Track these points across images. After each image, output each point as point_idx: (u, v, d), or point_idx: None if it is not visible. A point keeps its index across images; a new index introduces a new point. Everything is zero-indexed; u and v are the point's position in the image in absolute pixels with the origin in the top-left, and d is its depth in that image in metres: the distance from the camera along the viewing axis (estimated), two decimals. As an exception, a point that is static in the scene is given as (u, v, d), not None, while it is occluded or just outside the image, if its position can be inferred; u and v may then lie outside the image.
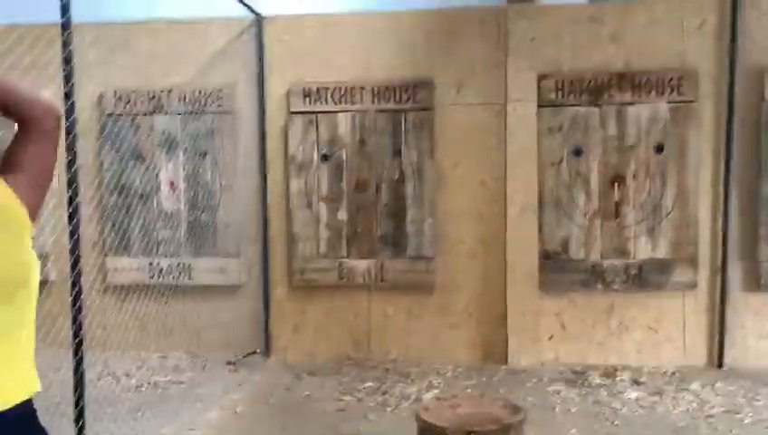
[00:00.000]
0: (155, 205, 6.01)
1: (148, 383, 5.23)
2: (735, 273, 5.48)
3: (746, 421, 4.35)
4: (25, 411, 1.52)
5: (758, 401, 4.73)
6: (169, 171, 5.99)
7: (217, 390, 5.09)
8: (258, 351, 5.91)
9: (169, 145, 5.96)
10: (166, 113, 5.93)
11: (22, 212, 1.53)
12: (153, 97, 5.95)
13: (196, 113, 5.89)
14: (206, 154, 5.90)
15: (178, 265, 5.97)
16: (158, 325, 5.97)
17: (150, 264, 6.01)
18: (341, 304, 5.86)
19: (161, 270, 6.00)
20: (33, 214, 1.56)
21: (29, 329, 1.54)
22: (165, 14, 5.91)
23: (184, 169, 5.97)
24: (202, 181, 5.93)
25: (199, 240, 5.92)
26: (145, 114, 5.95)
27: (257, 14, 5.83)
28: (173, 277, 5.98)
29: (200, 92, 5.90)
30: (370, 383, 5.20)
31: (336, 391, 5.05)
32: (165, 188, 5.99)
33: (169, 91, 5.92)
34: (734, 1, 5.37)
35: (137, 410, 4.60)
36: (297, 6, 5.87)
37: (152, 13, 5.90)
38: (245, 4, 5.63)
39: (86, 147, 5.60)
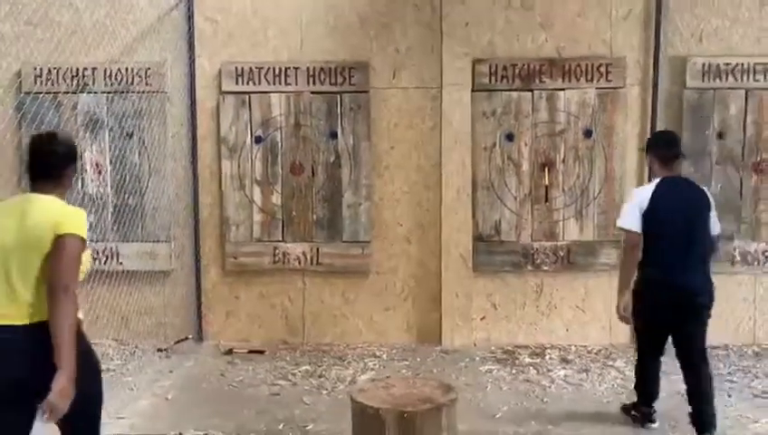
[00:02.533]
0: (79, 188, 5.75)
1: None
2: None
3: (664, 394, 4.55)
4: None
5: (676, 374, 4.93)
6: (94, 153, 5.75)
7: (147, 377, 4.96)
8: (190, 337, 5.79)
9: (94, 125, 5.71)
10: (90, 92, 5.67)
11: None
12: (76, 75, 5.68)
13: (123, 92, 5.66)
14: (132, 135, 5.69)
15: (105, 250, 5.76)
16: (84, 312, 5.73)
17: (75, 249, 5.76)
18: (276, 289, 5.80)
19: (87, 255, 5.77)
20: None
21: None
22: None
23: (110, 151, 5.74)
24: (129, 163, 5.72)
25: (127, 224, 5.72)
26: (67, 93, 5.68)
27: (187, -9, 5.64)
28: (99, 263, 5.76)
29: (127, 70, 5.68)
30: (306, 367, 5.18)
31: (271, 375, 5.00)
32: (90, 170, 5.75)
33: (94, 69, 5.67)
34: (658, -9, 5.56)
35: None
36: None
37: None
38: (174, -20, 5.44)
39: (1, 126, 5.32)
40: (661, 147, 3.93)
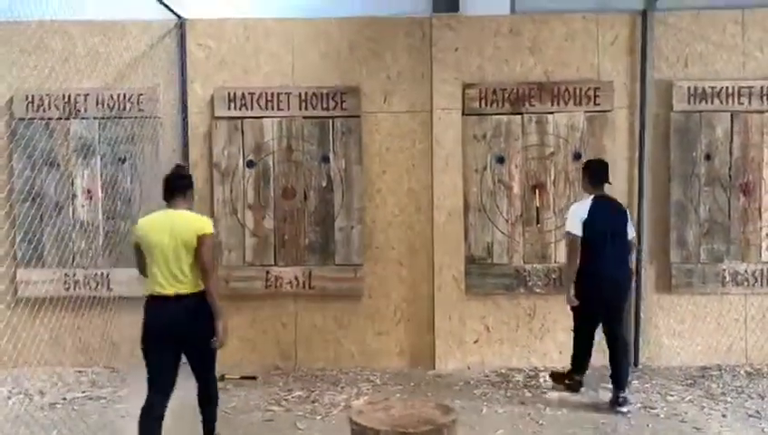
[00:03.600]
0: (70, 214, 5.74)
1: (64, 400, 4.96)
2: (649, 275, 5.75)
3: (661, 416, 4.56)
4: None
5: (671, 396, 4.97)
6: (86, 179, 5.75)
7: (140, 403, 4.86)
8: (182, 363, 5.71)
9: (86, 151, 5.72)
10: (82, 118, 5.69)
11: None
12: (68, 101, 5.70)
13: (115, 118, 5.68)
14: (125, 160, 5.70)
15: (96, 275, 5.72)
16: (75, 339, 5.70)
17: (66, 275, 5.73)
18: (268, 313, 5.77)
19: (77, 281, 5.74)
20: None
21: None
22: (81, 15, 5.69)
23: (101, 177, 5.74)
24: (121, 189, 5.72)
25: (118, 250, 5.69)
26: (59, 119, 5.69)
27: (180, 18, 5.70)
28: (90, 289, 5.72)
29: (119, 96, 5.71)
30: (299, 392, 5.13)
31: (264, 401, 4.95)
32: (81, 196, 5.74)
33: (86, 95, 5.70)
34: (644, 17, 5.67)
35: (51, 428, 4.36)
36: (220, 10, 5.78)
37: (67, 13, 5.66)
38: (167, 7, 5.49)
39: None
40: (595, 173, 4.82)
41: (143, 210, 5.70)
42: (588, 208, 4.68)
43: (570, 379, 5.09)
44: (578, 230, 4.65)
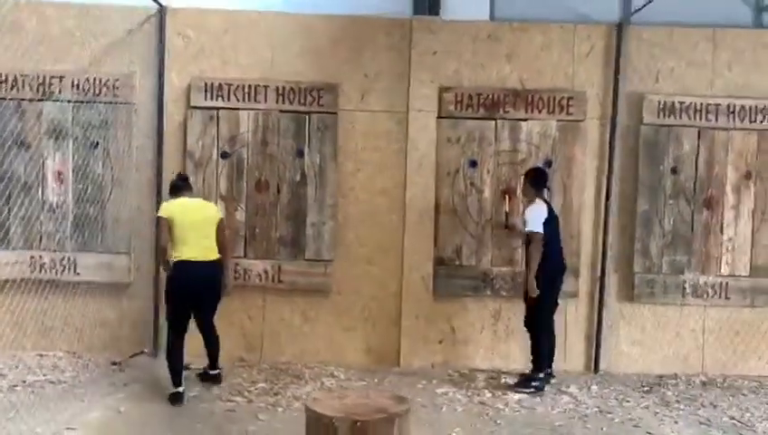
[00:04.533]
0: (39, 195, 5.69)
1: (23, 382, 4.92)
2: (612, 283, 5.88)
3: (616, 420, 4.66)
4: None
5: (628, 402, 5.08)
6: (57, 161, 5.70)
7: (100, 389, 4.87)
8: (145, 351, 5.71)
9: (58, 134, 5.67)
10: (55, 100, 5.64)
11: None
12: (42, 82, 5.65)
13: (89, 102, 5.64)
14: (97, 145, 5.66)
15: (62, 259, 5.68)
16: (38, 323, 5.65)
17: (32, 257, 5.67)
18: (236, 305, 5.75)
19: (43, 265, 5.69)
20: None
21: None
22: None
23: (73, 160, 5.69)
24: (92, 173, 5.68)
25: (86, 235, 5.65)
26: (32, 100, 5.64)
27: (160, 5, 5.68)
28: (56, 272, 5.67)
29: (95, 81, 5.67)
30: (262, 385, 5.15)
31: (226, 392, 4.96)
32: (51, 178, 5.69)
33: (61, 78, 5.65)
34: (619, 30, 5.79)
35: (10, 409, 4.32)
36: (202, 0, 5.78)
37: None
38: (148, -6, 5.48)
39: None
40: (539, 179, 5.24)
41: (114, 196, 5.69)
42: (546, 210, 5.14)
43: (541, 372, 5.24)
44: (541, 229, 5.05)
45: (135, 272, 5.77)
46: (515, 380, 5.38)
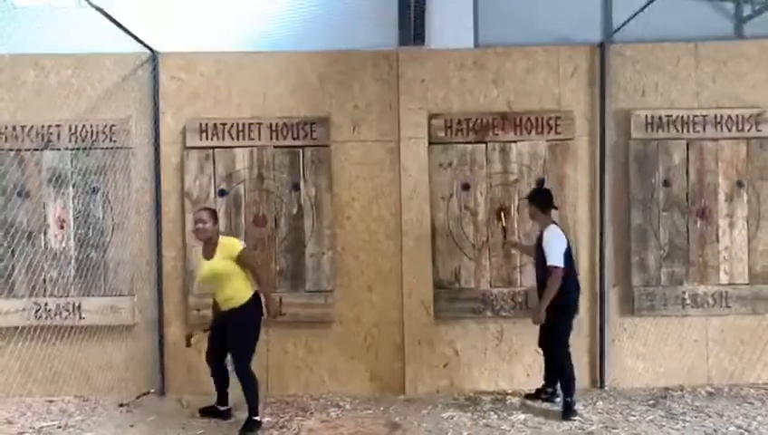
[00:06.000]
0: (42, 243, 5.79)
1: (32, 428, 4.97)
2: (612, 299, 5.90)
3: (622, 435, 4.67)
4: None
5: (633, 416, 5.08)
6: (58, 208, 5.81)
7: (108, 432, 4.91)
8: (152, 391, 5.76)
9: (58, 181, 5.79)
10: (54, 149, 5.77)
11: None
12: (41, 132, 5.79)
13: (87, 149, 5.77)
14: (97, 190, 5.77)
15: (67, 304, 5.75)
16: (45, 368, 5.71)
17: (36, 304, 5.75)
18: (239, 340, 5.80)
19: (49, 311, 5.76)
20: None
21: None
22: (54, 48, 5.82)
23: (73, 206, 5.80)
24: (93, 218, 5.79)
25: (89, 279, 5.74)
26: (31, 149, 5.77)
27: (153, 51, 5.84)
28: (61, 317, 5.75)
29: (92, 127, 5.80)
30: (268, 419, 5.17)
31: (233, 428, 4.98)
32: (53, 225, 5.80)
33: (58, 126, 5.79)
34: (602, 49, 5.90)
35: (18, 457, 4.37)
36: (193, 44, 5.92)
37: (40, 47, 5.79)
38: (140, 41, 5.63)
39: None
40: (548, 201, 5.17)
41: (115, 239, 5.79)
42: (565, 238, 5.06)
43: (574, 401, 5.13)
44: (563, 262, 4.94)
45: (138, 313, 5.84)
46: (521, 401, 5.39)
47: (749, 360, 5.88)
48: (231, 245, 4.85)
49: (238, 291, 4.83)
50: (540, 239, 5.10)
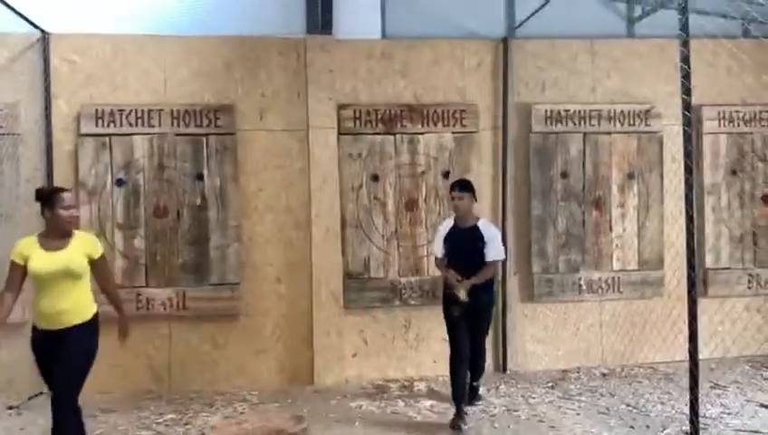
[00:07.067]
0: None
1: None
2: (514, 285, 6.12)
3: (522, 417, 4.85)
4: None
5: (534, 398, 5.30)
6: (-65, 198, 5.37)
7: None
8: (44, 392, 5.43)
9: (-64, 169, 5.35)
10: (-69, 134, 5.33)
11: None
12: None
13: (-31, 134, 5.36)
14: (-19, 179, 5.38)
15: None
16: None
17: None
18: (140, 337, 5.53)
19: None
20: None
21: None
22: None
23: (-46, 196, 5.38)
24: (-23, 207, 5.39)
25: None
26: None
27: (43, 32, 5.48)
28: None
29: (-26, 112, 5.39)
30: (171, 416, 5.01)
31: (134, 426, 4.80)
32: (-70, 217, 5.35)
33: (-64, 110, 5.34)
34: (505, 44, 6.07)
35: None
36: (86, 25, 5.61)
37: None
38: (28, 21, 5.27)
39: None
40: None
41: (3, 230, 5.42)
42: None
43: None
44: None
45: (28, 310, 5.49)
46: (427, 388, 5.50)
47: (638, 341, 6.26)
48: (92, 240, 3.88)
49: (83, 303, 3.78)
50: (474, 230, 4.77)
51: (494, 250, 4.79)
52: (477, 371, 5.05)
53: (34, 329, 3.84)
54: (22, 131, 5.50)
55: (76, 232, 3.84)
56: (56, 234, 3.75)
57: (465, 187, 4.81)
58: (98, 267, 3.84)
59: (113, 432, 4.69)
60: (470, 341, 4.75)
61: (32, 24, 5.33)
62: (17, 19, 5.18)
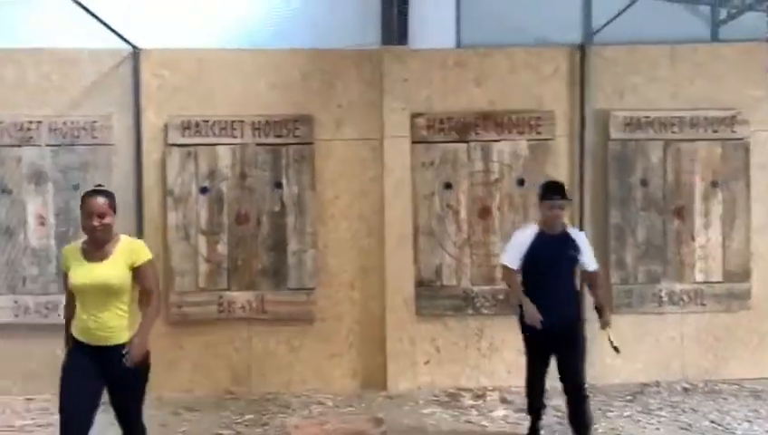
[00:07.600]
0: (21, 240, 5.73)
1: (10, 428, 4.93)
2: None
3: (600, 431, 4.75)
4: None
5: (612, 412, 5.19)
6: (38, 205, 5.76)
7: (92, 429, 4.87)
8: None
9: (38, 178, 5.74)
10: (34, 145, 5.72)
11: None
12: (21, 128, 5.73)
13: (68, 145, 5.73)
14: (78, 187, 5.71)
15: (47, 302, 5.70)
16: (24, 367, 5.65)
17: (15, 302, 5.70)
18: (221, 338, 5.82)
19: (27, 308, 5.71)
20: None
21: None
22: (35, 43, 5.78)
23: (54, 203, 5.75)
24: (74, 215, 5.72)
25: (70, 276, 5.66)
26: (11, 146, 5.72)
27: (134, 47, 5.81)
28: (41, 316, 5.70)
29: (73, 124, 5.75)
30: (251, 416, 5.18)
31: (215, 425, 4.99)
32: (33, 222, 5.75)
33: (39, 123, 5.73)
34: (582, 51, 5.98)
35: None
36: (174, 41, 5.91)
37: (21, 41, 5.74)
38: (121, 37, 5.60)
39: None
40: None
41: (96, 236, 5.74)
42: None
43: None
44: None
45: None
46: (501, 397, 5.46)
47: (723, 356, 6.00)
48: (136, 247, 3.41)
49: (129, 320, 3.37)
50: (565, 237, 4.40)
51: (592, 258, 4.48)
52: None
53: (74, 341, 3.38)
54: (114, 142, 5.82)
55: (122, 238, 3.42)
56: (93, 243, 3.35)
57: (564, 194, 4.36)
58: (140, 273, 3.35)
59: (196, 431, 4.89)
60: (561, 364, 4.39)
61: (124, 39, 5.65)
62: (108, 35, 5.49)
